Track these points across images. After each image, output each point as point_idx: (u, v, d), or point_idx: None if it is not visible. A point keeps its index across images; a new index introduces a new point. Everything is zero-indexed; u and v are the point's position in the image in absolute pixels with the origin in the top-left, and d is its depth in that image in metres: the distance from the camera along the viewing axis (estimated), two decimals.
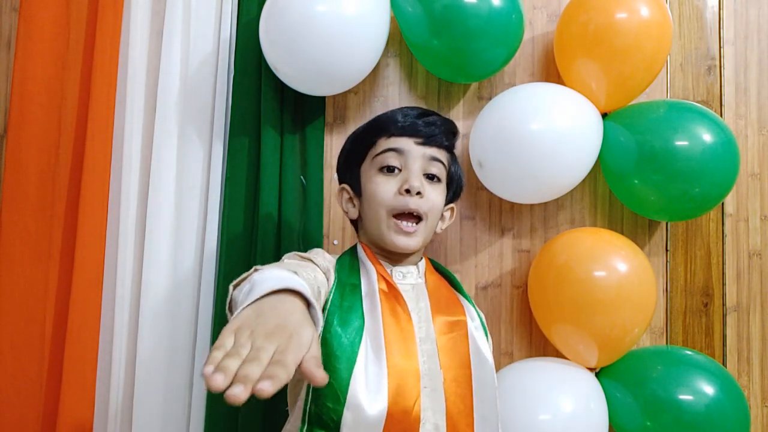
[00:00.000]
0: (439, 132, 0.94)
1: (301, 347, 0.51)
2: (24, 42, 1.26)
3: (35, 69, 1.25)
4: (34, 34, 1.26)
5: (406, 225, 0.90)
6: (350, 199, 0.98)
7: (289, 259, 0.88)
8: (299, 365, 0.50)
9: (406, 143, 0.92)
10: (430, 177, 0.93)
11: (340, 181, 1.01)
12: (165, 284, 1.21)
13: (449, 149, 0.98)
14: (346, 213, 0.99)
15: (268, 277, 0.63)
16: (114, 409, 1.20)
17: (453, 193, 1.01)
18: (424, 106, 1.33)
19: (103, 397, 1.22)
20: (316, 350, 0.53)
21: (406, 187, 0.89)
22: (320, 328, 0.62)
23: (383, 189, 0.90)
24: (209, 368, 0.45)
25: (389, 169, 0.91)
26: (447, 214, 1.02)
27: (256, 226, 1.22)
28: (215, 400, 1.17)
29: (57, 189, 1.26)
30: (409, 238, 0.90)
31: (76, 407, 1.18)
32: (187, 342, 1.22)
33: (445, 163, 0.96)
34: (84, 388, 1.19)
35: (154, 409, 1.18)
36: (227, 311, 0.73)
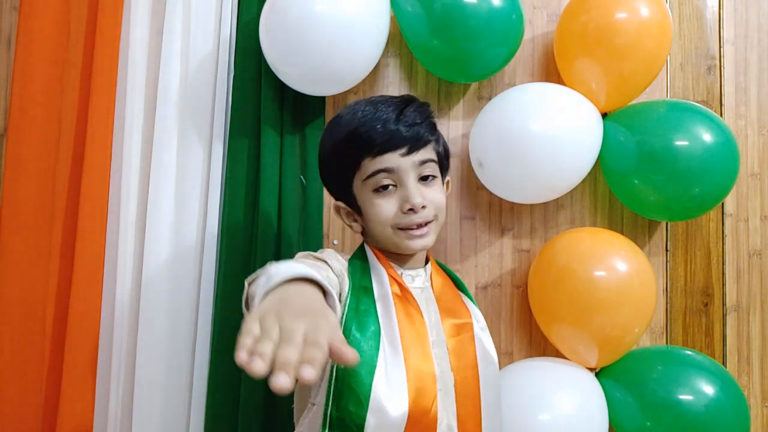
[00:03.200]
0: (422, 132, 0.88)
1: (329, 328, 0.50)
2: (24, 41, 1.26)
3: (35, 69, 1.25)
4: (35, 34, 1.26)
5: (419, 230, 0.88)
6: (349, 214, 0.95)
7: (303, 257, 0.86)
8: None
9: (393, 159, 0.86)
10: (425, 178, 0.90)
11: (329, 192, 0.97)
12: (165, 284, 1.21)
13: (434, 138, 0.92)
14: (350, 227, 0.96)
15: (284, 268, 0.63)
16: (114, 409, 1.20)
17: (445, 168, 0.97)
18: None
19: (103, 397, 1.21)
20: (340, 334, 0.52)
21: (408, 206, 0.86)
22: (338, 317, 0.63)
23: (385, 210, 0.87)
24: (243, 354, 0.45)
25: (384, 188, 0.87)
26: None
27: (256, 226, 1.22)
28: (215, 400, 1.17)
29: (57, 188, 1.26)
30: (423, 239, 0.89)
31: (76, 407, 1.18)
32: (187, 342, 1.22)
33: (435, 157, 0.91)
34: (84, 388, 1.19)
35: (154, 409, 1.18)
36: (244, 308, 0.72)
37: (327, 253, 0.90)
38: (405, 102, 0.90)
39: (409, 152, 0.87)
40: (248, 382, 1.15)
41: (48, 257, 1.24)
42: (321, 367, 0.45)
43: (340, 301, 0.84)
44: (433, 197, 0.90)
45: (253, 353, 0.44)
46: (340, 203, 0.95)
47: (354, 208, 0.93)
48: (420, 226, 0.89)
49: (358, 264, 0.91)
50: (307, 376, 0.43)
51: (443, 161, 0.95)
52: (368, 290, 0.87)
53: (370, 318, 0.84)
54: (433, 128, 0.92)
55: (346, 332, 0.81)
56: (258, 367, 0.43)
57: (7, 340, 1.21)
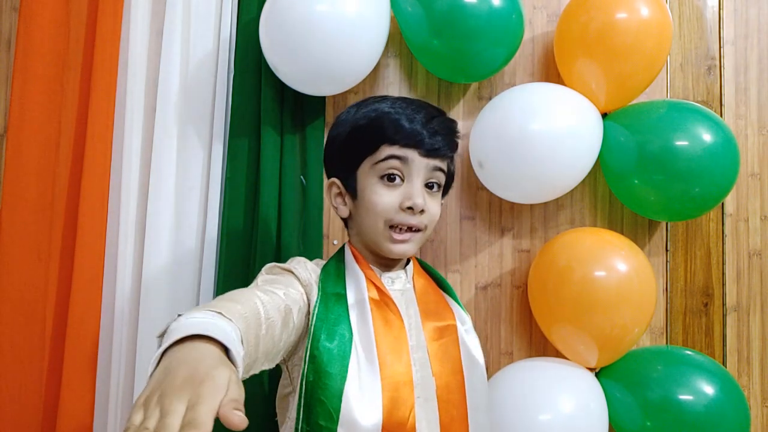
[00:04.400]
0: (444, 144, 0.88)
1: (215, 391, 0.47)
2: (24, 42, 1.25)
3: (35, 69, 1.25)
4: (34, 34, 1.25)
5: (402, 235, 0.87)
6: (340, 194, 0.93)
7: (268, 272, 0.85)
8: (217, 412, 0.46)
9: (410, 154, 0.86)
10: (430, 186, 0.89)
11: (329, 174, 0.96)
12: (165, 283, 1.21)
13: (452, 157, 0.95)
14: (336, 209, 0.94)
15: (182, 324, 0.58)
16: (114, 409, 1.20)
17: (445, 191, 0.97)
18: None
19: (103, 397, 1.21)
20: (236, 392, 0.49)
21: (408, 204, 0.85)
22: (241, 373, 0.58)
23: (385, 201, 0.86)
24: None
25: (390, 178, 0.86)
26: None
27: (256, 226, 1.22)
28: None
29: (57, 189, 1.26)
30: (406, 245, 0.87)
31: (76, 407, 1.18)
32: None
33: (446, 170, 0.92)
34: (84, 388, 1.19)
35: None
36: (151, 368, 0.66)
37: (296, 261, 0.88)
38: (438, 111, 0.91)
39: (427, 156, 0.87)
40: (248, 383, 1.15)
41: (48, 257, 1.24)
42: None
43: (308, 310, 0.82)
44: (431, 207, 0.89)
45: None
46: (336, 180, 0.93)
47: (350, 190, 0.91)
48: (410, 229, 0.87)
49: (333, 270, 0.88)
50: None
51: (448, 181, 0.96)
52: (341, 297, 0.84)
53: (342, 326, 0.81)
54: (455, 146, 0.93)
55: (315, 341, 0.78)
56: None
57: (7, 340, 1.21)
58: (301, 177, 1.27)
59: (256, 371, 0.73)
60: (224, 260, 1.21)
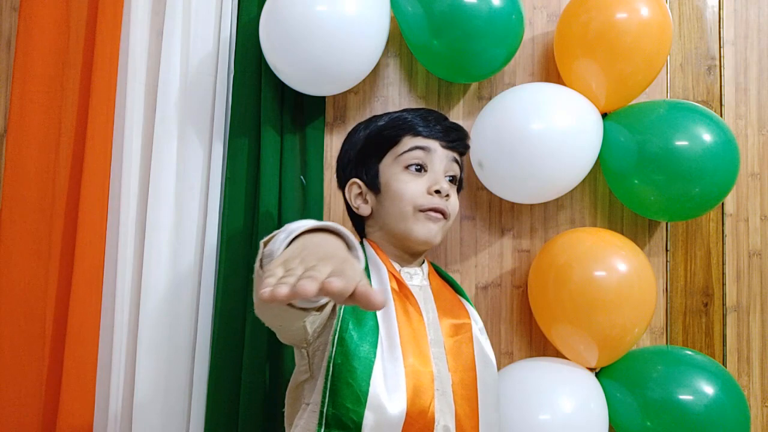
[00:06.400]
0: (458, 138, 0.97)
1: (356, 271, 0.50)
2: (24, 42, 1.25)
3: (35, 69, 1.25)
4: (34, 34, 1.26)
5: (435, 215, 0.91)
6: (360, 194, 0.97)
7: None
8: (353, 292, 0.48)
9: (432, 144, 0.94)
10: (450, 179, 0.96)
11: (347, 176, 0.99)
12: (165, 284, 1.21)
13: (464, 155, 1.02)
14: (357, 209, 0.97)
15: (304, 222, 0.63)
16: (114, 410, 1.20)
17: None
18: (424, 106, 1.33)
19: (103, 397, 1.21)
20: (366, 281, 0.51)
21: (436, 188, 0.90)
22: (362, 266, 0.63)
23: (412, 188, 0.91)
24: (267, 289, 0.44)
25: (416, 168, 0.92)
26: None
27: (256, 226, 1.22)
28: (215, 401, 1.17)
29: (57, 189, 1.26)
30: (437, 223, 0.91)
31: (76, 407, 1.18)
32: (187, 342, 1.22)
33: (461, 164, 0.99)
34: (84, 388, 1.19)
35: (154, 410, 1.18)
36: (258, 268, 0.69)
37: None
38: (445, 117, 1.00)
39: (447, 147, 0.94)
40: (248, 383, 1.15)
41: (48, 257, 1.24)
42: (344, 286, 0.44)
43: None
44: (453, 198, 0.95)
45: (278, 283, 0.45)
46: (356, 180, 0.97)
47: (372, 187, 0.95)
48: (437, 211, 0.91)
49: None
50: (334, 282, 0.43)
51: (461, 182, 1.02)
52: None
53: (369, 314, 0.83)
54: (467, 146, 1.01)
55: (345, 324, 0.81)
56: (281, 290, 0.43)
57: (7, 340, 1.21)
58: (301, 177, 1.27)
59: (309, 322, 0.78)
60: (224, 260, 1.21)
